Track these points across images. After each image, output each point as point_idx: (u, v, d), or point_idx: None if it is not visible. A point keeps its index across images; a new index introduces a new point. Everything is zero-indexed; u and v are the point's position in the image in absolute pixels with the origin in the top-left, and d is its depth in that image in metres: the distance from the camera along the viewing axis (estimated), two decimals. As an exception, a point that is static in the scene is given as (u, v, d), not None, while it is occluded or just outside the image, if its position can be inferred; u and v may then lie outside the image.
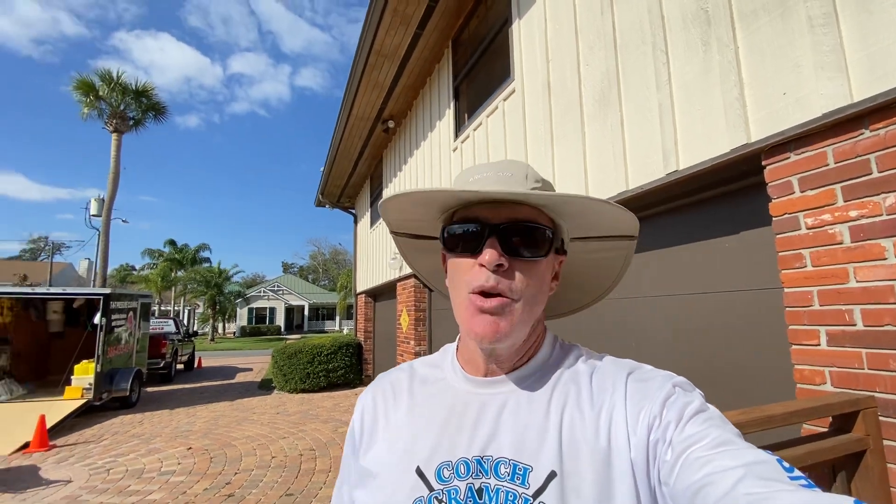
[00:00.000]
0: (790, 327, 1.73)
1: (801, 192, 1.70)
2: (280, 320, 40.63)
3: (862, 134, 1.53)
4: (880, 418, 1.45)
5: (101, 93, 14.46)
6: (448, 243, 0.61)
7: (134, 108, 15.11)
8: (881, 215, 1.47)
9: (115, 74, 14.54)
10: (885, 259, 1.46)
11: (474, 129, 4.49)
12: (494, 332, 0.56)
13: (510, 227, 0.57)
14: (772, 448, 1.29)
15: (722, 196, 2.16)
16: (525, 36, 3.64)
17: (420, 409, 0.63)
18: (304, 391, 9.16)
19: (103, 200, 15.85)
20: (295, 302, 41.99)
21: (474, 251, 0.58)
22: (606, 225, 0.64)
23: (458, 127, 4.97)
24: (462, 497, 0.53)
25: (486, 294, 0.56)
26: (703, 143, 2.05)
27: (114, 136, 14.80)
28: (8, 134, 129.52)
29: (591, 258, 0.70)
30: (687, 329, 2.31)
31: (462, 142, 4.79)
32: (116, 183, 15.14)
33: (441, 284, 0.76)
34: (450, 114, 5.16)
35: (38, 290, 8.62)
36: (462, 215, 0.61)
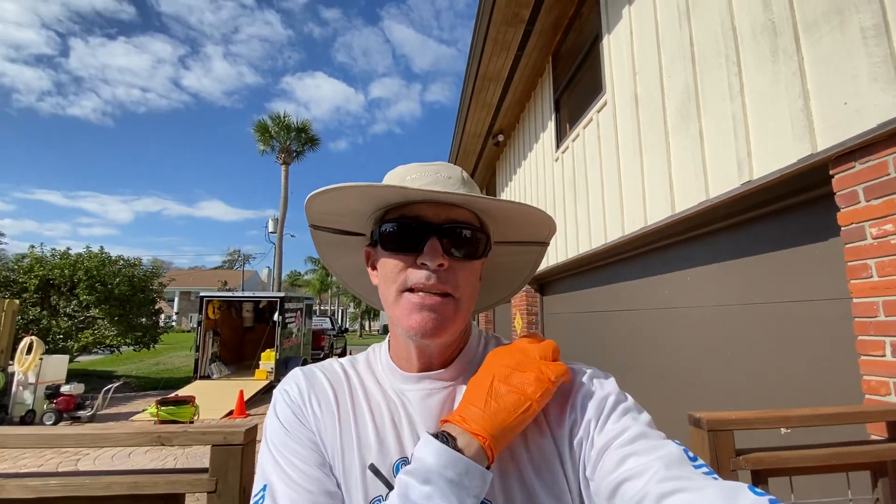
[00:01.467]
0: (858, 338, 1.72)
1: (867, 201, 1.69)
2: (417, 320, 43.87)
3: (921, 143, 1.50)
4: (946, 433, 1.42)
5: (272, 133, 17.77)
6: (384, 241, 0.60)
7: (296, 143, 18.25)
8: (942, 226, 1.44)
9: (281, 116, 17.76)
10: (947, 270, 1.43)
11: (573, 140, 4.69)
12: (434, 328, 0.56)
13: (452, 229, 0.58)
14: (801, 448, 1.41)
15: (796, 206, 2.13)
16: (614, 50, 3.76)
17: (358, 406, 0.62)
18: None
19: (277, 220, 19.35)
20: (429, 303, 44.91)
21: (413, 250, 0.58)
22: (527, 231, 0.68)
23: (560, 138, 5.19)
24: None
25: (425, 292, 0.57)
26: (772, 154, 2.07)
27: (283, 167, 18.04)
28: (212, 170, 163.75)
29: (506, 261, 0.74)
30: (769, 338, 2.29)
31: (563, 152, 5.01)
32: (286, 205, 18.41)
33: (357, 284, 0.79)
34: (551, 126, 5.40)
35: (236, 294, 11.12)
36: (400, 213, 0.60)
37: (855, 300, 1.73)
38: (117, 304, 10.33)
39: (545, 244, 0.72)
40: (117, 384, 8.36)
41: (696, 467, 0.46)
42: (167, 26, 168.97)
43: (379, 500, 0.54)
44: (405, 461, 0.56)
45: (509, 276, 0.78)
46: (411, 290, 0.57)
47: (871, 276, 1.67)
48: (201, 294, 10.10)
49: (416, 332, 0.56)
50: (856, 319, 1.73)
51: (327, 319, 15.91)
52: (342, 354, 16.05)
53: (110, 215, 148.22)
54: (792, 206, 2.18)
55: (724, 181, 2.40)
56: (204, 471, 1.17)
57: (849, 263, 1.76)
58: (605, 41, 3.91)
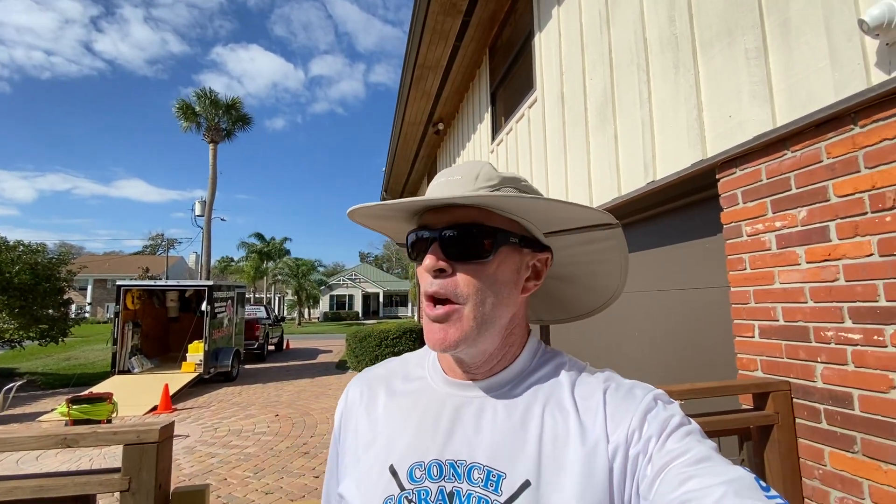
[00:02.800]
0: (734, 321, 1.98)
1: (744, 203, 1.94)
2: (358, 306, 43.38)
3: (785, 155, 1.75)
4: (794, 400, 1.71)
5: (198, 109, 16.55)
6: (409, 254, 0.63)
7: (225, 120, 17.14)
8: (797, 226, 1.70)
9: (207, 92, 16.57)
10: (799, 265, 1.69)
11: (507, 134, 4.84)
12: (442, 341, 0.56)
13: (449, 231, 0.57)
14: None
15: (692, 204, 2.40)
16: (545, 48, 3.92)
17: (398, 407, 0.63)
18: (373, 372, 10.13)
19: (205, 202, 18.17)
20: (371, 289, 44.49)
21: (422, 258, 0.58)
22: (567, 217, 0.61)
23: (495, 130, 5.33)
24: (433, 499, 0.53)
25: (435, 301, 0.57)
26: (672, 157, 2.30)
27: (210, 146, 16.90)
28: (131, 145, 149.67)
29: (578, 252, 0.67)
30: (673, 321, 2.57)
31: (497, 145, 5.16)
32: (215, 186, 17.31)
33: None
34: (488, 118, 5.53)
35: (159, 283, 10.38)
36: (415, 224, 0.62)
37: (732, 289, 2.00)
38: (17, 294, 9.26)
39: (609, 226, 0.62)
40: (20, 382, 7.60)
41: (770, 497, 0.42)
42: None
43: (390, 500, 0.54)
44: (420, 465, 0.56)
45: (598, 270, 0.70)
46: (428, 300, 0.58)
47: (745, 269, 1.93)
48: (118, 283, 9.34)
49: (431, 345, 0.58)
50: (733, 305, 2.00)
51: (262, 308, 15.28)
52: (279, 344, 15.63)
53: (7, 193, 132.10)
54: (689, 204, 2.44)
55: (633, 180, 2.62)
56: (116, 470, 1.16)
57: (728, 257, 2.01)
58: (536, 39, 4.05)
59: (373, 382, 0.68)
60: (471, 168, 0.60)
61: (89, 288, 38.54)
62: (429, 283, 0.57)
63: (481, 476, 0.53)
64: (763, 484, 0.43)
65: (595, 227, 0.63)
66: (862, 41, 1.44)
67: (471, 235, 0.57)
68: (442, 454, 0.55)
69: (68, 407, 5.84)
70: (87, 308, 36.93)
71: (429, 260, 0.56)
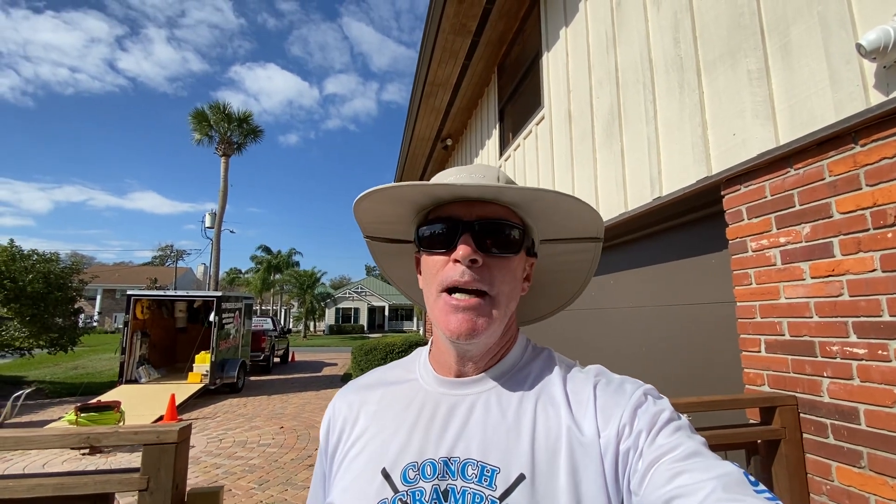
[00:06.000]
0: (740, 336, 2.00)
1: (749, 219, 1.97)
2: (363, 320, 43.30)
3: (788, 172, 1.79)
4: (801, 415, 1.71)
5: (210, 122, 16.92)
6: (422, 241, 0.62)
7: (237, 134, 17.50)
8: (801, 242, 1.73)
9: (221, 106, 16.95)
10: (803, 280, 1.72)
11: (514, 150, 4.92)
12: (471, 330, 0.56)
13: (483, 224, 0.58)
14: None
15: (697, 220, 2.43)
16: (552, 67, 4.01)
17: (389, 410, 0.63)
18: (378, 385, 10.09)
19: (215, 214, 18.42)
20: (376, 303, 44.46)
21: (448, 248, 0.58)
22: (573, 226, 0.66)
23: (503, 146, 5.42)
24: (427, 498, 0.53)
25: (461, 291, 0.57)
26: (678, 173, 2.35)
27: (222, 159, 17.22)
28: (149, 159, 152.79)
29: (559, 261, 0.72)
30: (677, 336, 2.58)
31: (505, 160, 5.23)
32: (225, 199, 17.58)
33: (415, 293, 0.79)
34: (496, 134, 5.62)
35: (167, 293, 10.49)
36: (436, 214, 0.62)
37: (738, 304, 2.01)
38: (30, 302, 9.40)
39: (598, 239, 0.69)
40: (28, 391, 7.65)
41: (758, 492, 0.42)
42: (103, 3, 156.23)
43: (384, 503, 0.54)
44: (413, 466, 0.56)
45: (566, 279, 0.76)
46: (449, 290, 0.58)
47: (751, 284, 1.95)
48: (129, 293, 9.45)
49: (454, 334, 0.57)
50: (739, 320, 2.01)
51: (269, 320, 15.35)
52: (284, 356, 15.64)
53: (24, 204, 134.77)
54: (694, 220, 2.47)
55: (639, 195, 2.66)
56: (135, 470, 1.19)
57: (734, 272, 2.04)
58: (544, 58, 4.15)
59: (360, 391, 0.68)
60: (489, 170, 0.63)
61: (98, 298, 38.90)
62: (460, 273, 0.57)
63: (475, 472, 0.53)
64: (752, 479, 0.44)
65: (584, 240, 0.68)
66: (860, 64, 1.48)
67: (504, 229, 0.59)
68: (436, 453, 0.56)
69: (76, 415, 5.88)
70: (96, 318, 37.23)
71: (464, 249, 0.56)
